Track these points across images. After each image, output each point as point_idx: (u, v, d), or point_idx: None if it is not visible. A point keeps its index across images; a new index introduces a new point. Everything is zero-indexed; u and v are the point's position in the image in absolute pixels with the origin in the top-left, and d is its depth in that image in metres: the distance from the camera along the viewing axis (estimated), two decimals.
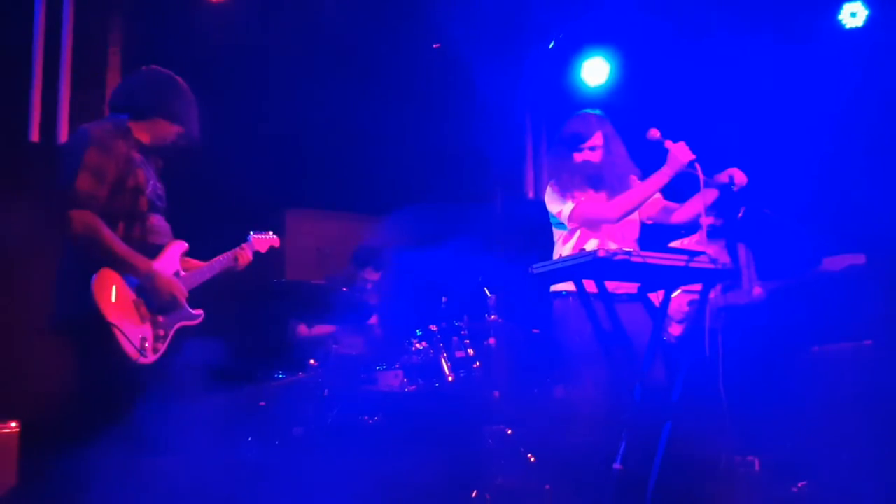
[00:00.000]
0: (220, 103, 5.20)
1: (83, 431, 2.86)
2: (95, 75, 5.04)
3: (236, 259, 3.52)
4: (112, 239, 2.99)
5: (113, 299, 2.95)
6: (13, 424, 3.82)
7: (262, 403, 4.78)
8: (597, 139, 3.82)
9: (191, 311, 3.23)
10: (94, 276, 2.92)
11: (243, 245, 3.56)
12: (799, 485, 4.15)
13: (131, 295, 3.04)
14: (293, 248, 6.45)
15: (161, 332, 3.09)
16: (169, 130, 3.26)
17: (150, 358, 3.03)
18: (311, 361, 4.94)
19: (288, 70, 5.87)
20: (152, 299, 3.08)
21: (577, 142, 3.82)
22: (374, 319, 5.54)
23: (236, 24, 5.48)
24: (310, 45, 5.72)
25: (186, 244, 3.32)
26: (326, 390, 4.70)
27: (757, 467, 4.27)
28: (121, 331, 2.93)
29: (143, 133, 3.21)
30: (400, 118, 6.22)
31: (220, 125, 5.23)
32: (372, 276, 5.65)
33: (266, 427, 4.68)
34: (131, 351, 2.95)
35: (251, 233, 3.67)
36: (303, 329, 5.41)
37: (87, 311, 2.90)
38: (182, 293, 3.17)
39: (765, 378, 4.37)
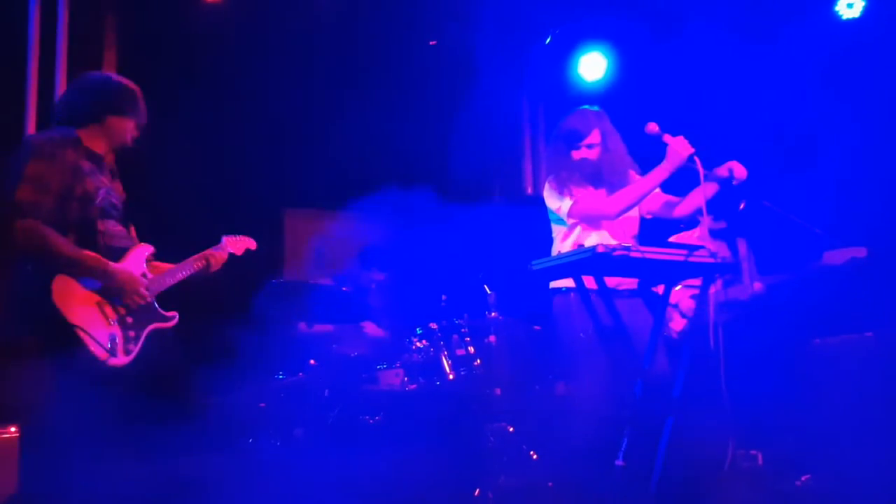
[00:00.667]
0: (216, 103, 5.22)
1: (69, 437, 2.85)
2: (91, 70, 5.02)
3: (207, 261, 3.43)
4: (60, 244, 2.97)
5: (74, 302, 2.94)
6: (13, 429, 3.81)
7: (263, 404, 4.78)
8: (594, 136, 3.81)
9: (163, 312, 3.20)
10: (52, 281, 2.92)
11: (214, 248, 3.50)
12: (802, 478, 4.14)
13: (94, 297, 3.03)
14: (292, 248, 6.45)
15: (132, 334, 3.06)
16: (124, 126, 3.24)
17: (122, 359, 3.00)
18: (311, 361, 4.93)
19: (285, 69, 5.86)
20: (116, 299, 3.06)
21: (574, 139, 3.81)
22: (369, 327, 5.53)
23: (232, 22, 5.46)
24: (308, 43, 5.70)
25: (152, 247, 3.29)
26: (327, 390, 4.69)
27: (760, 461, 4.26)
28: (86, 332, 2.92)
29: (97, 139, 3.20)
30: (398, 116, 6.21)
31: (217, 125, 5.26)
32: (377, 276, 5.64)
33: (267, 428, 4.68)
34: (99, 352, 2.94)
35: (223, 236, 3.61)
36: (302, 327, 5.40)
37: (48, 316, 2.89)
38: (148, 292, 3.14)
39: (767, 372, 4.36)
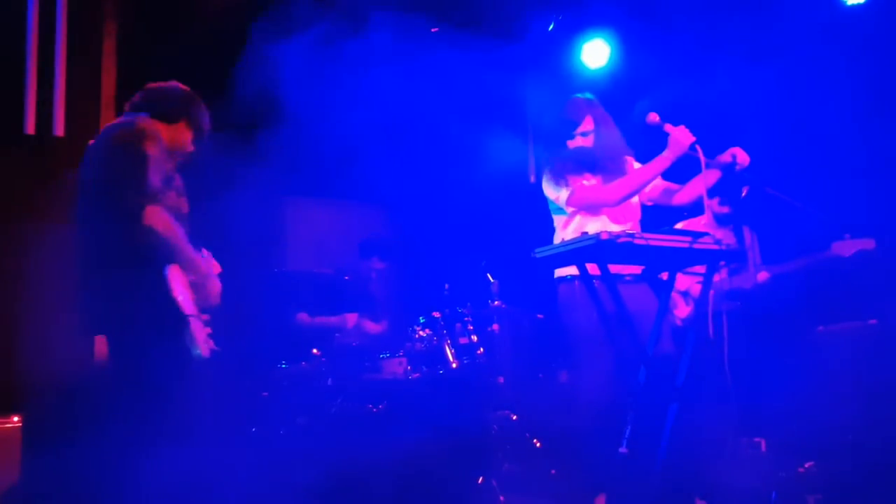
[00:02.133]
0: (217, 91, 5.19)
1: (142, 426, 2.87)
2: (90, 67, 5.01)
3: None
4: (182, 236, 3.00)
5: (184, 293, 2.96)
6: (16, 419, 3.81)
7: (266, 393, 4.77)
8: (588, 124, 3.80)
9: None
10: (167, 269, 2.92)
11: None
12: (806, 465, 4.14)
13: (189, 291, 3.05)
14: (293, 237, 6.44)
15: (208, 330, 3.09)
16: (187, 137, 3.28)
17: (206, 353, 3.04)
18: (314, 351, 4.92)
19: (285, 59, 5.83)
20: (199, 298, 3.09)
21: (568, 128, 3.81)
22: (367, 324, 5.52)
23: (232, 12, 5.44)
24: (308, 31, 5.67)
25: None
26: (330, 379, 4.69)
27: (763, 448, 4.25)
28: (196, 322, 2.95)
29: (166, 137, 3.20)
30: (399, 104, 6.18)
31: (218, 112, 5.23)
32: (378, 265, 5.63)
33: (270, 417, 4.68)
34: (203, 346, 2.97)
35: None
36: (304, 317, 5.40)
37: (164, 303, 2.89)
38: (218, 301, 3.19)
39: (770, 359, 4.35)
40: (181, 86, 3.36)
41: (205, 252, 3.36)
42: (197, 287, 3.08)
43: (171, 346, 2.91)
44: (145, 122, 3.09)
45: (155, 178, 2.94)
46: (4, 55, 4.74)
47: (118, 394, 2.92)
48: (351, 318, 5.35)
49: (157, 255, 2.92)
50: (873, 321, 4.55)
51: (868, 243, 4.24)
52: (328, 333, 5.06)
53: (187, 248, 3.01)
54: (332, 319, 5.22)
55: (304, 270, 5.39)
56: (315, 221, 6.48)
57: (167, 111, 3.21)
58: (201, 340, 2.95)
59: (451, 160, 6.37)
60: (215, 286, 3.15)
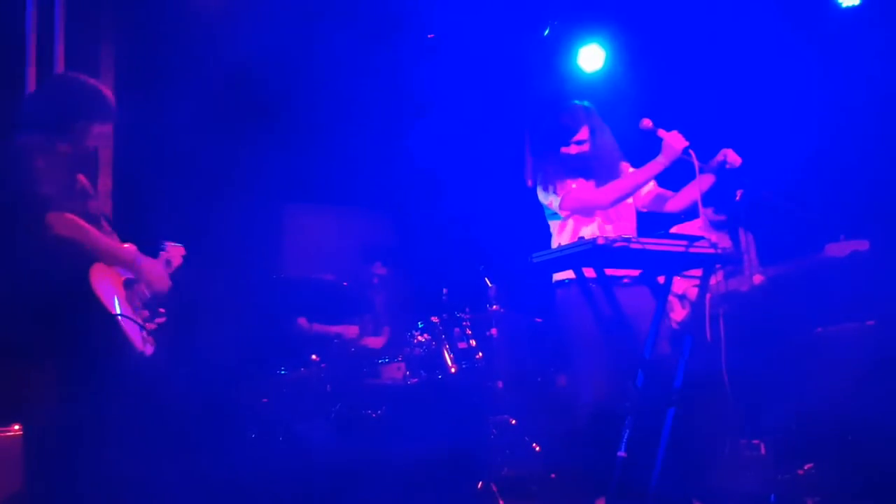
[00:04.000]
0: (214, 97, 5.20)
1: (94, 430, 2.85)
2: (88, 75, 5.01)
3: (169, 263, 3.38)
4: (97, 233, 2.97)
5: (111, 292, 2.94)
6: (16, 427, 3.81)
7: (265, 399, 4.78)
8: (584, 133, 3.81)
9: (160, 310, 3.20)
10: (89, 270, 2.89)
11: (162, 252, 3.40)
12: (805, 467, 4.14)
13: (121, 288, 3.03)
14: (292, 244, 6.45)
15: (149, 326, 3.07)
16: (95, 131, 3.20)
17: (149, 350, 3.02)
18: (314, 356, 4.93)
19: (285, 65, 5.85)
20: (137, 291, 3.07)
21: (564, 135, 3.82)
22: (369, 340, 5.53)
23: (230, 18, 5.45)
24: (306, 39, 5.69)
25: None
26: (329, 385, 4.69)
27: (762, 451, 4.25)
28: (127, 321, 2.93)
29: (64, 144, 3.13)
30: (398, 109, 6.20)
31: (216, 120, 5.25)
32: (379, 270, 5.63)
33: (269, 423, 4.68)
34: (137, 341, 2.95)
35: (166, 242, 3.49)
36: (303, 322, 5.41)
37: (89, 305, 2.87)
38: (168, 286, 3.14)
39: (769, 361, 4.35)
40: (68, 79, 3.26)
41: (168, 245, 3.32)
42: (134, 283, 3.06)
43: (104, 347, 2.88)
44: (28, 141, 3.02)
45: (48, 189, 2.90)
46: (3, 63, 4.76)
47: (71, 400, 2.91)
48: (352, 331, 5.36)
49: (77, 260, 2.90)
50: (871, 322, 4.56)
51: (862, 244, 4.25)
52: (327, 339, 5.07)
53: (105, 244, 2.98)
54: (332, 329, 5.23)
55: (303, 277, 5.39)
56: (313, 227, 6.49)
57: (58, 121, 3.11)
58: (137, 339, 2.93)
59: (448, 165, 6.39)
60: (149, 268, 3.09)
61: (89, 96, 3.20)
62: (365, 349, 5.36)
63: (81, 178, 3.12)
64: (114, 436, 2.87)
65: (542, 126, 3.96)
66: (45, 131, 3.07)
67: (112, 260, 3.00)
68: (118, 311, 2.91)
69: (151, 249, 3.26)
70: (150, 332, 3.05)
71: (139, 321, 3.01)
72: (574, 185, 3.77)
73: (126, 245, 3.21)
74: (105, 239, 3.00)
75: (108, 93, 3.26)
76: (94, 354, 2.90)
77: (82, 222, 2.93)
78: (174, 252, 3.36)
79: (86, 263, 2.92)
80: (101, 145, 3.30)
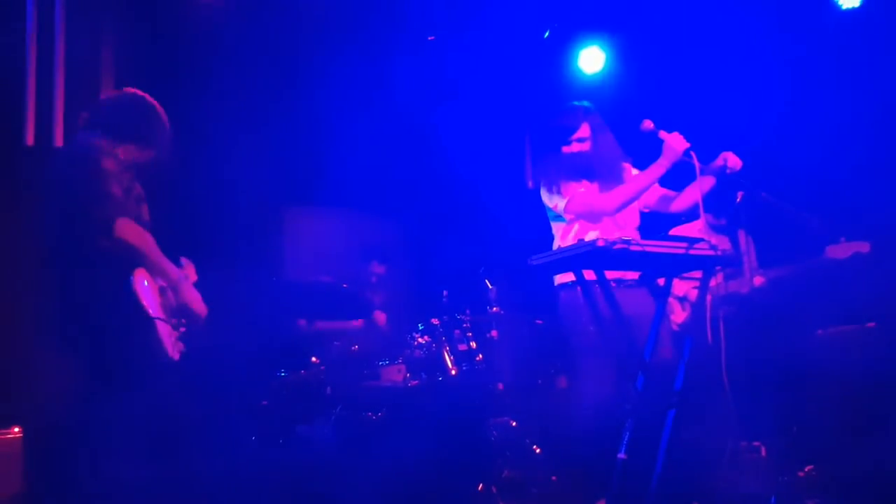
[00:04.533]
0: (215, 102, 5.21)
1: (115, 428, 2.89)
2: (89, 76, 5.02)
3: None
4: (153, 244, 3.06)
5: (149, 296, 3.01)
6: (16, 429, 3.82)
7: (265, 402, 4.78)
8: (584, 131, 3.81)
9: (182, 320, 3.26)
10: (132, 275, 2.97)
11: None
12: (805, 469, 4.14)
13: (158, 295, 3.09)
14: (292, 246, 6.45)
15: (176, 334, 3.13)
16: (143, 155, 3.29)
17: (177, 357, 3.06)
18: (313, 359, 4.93)
19: (285, 68, 5.85)
20: (167, 299, 3.12)
21: (564, 134, 3.83)
22: (381, 317, 5.54)
23: (230, 23, 5.46)
24: (305, 42, 5.70)
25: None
26: (329, 387, 4.69)
27: (763, 453, 4.25)
28: (163, 324, 2.99)
29: (121, 152, 3.22)
30: (398, 111, 6.20)
31: (216, 125, 5.25)
32: (377, 269, 5.63)
33: (269, 426, 4.68)
34: (169, 346, 3.00)
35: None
36: (303, 324, 5.40)
37: (129, 307, 2.93)
38: (206, 312, 3.22)
39: (769, 363, 4.35)
40: (136, 95, 3.34)
41: (183, 261, 3.40)
42: (167, 291, 3.12)
43: (139, 348, 2.94)
44: (97, 142, 3.12)
45: (117, 191, 2.99)
46: (4, 67, 4.76)
47: (93, 399, 2.93)
48: (356, 324, 5.36)
49: (125, 262, 2.97)
50: (871, 325, 4.56)
51: (863, 246, 4.24)
52: (327, 341, 5.06)
53: (156, 255, 3.06)
54: (338, 324, 5.23)
55: (303, 279, 5.39)
56: (314, 230, 6.49)
57: (120, 130, 3.21)
58: (169, 343, 2.98)
59: (449, 167, 6.39)
60: (189, 291, 3.18)
61: (157, 120, 3.31)
62: (367, 340, 5.35)
63: (137, 185, 3.21)
64: (133, 436, 2.90)
65: (543, 127, 3.97)
66: (109, 136, 3.15)
67: (159, 273, 3.08)
68: (155, 315, 2.99)
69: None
70: (178, 339, 3.11)
71: (172, 325, 3.05)
72: (581, 189, 3.76)
73: (182, 261, 3.30)
74: (158, 251, 3.08)
75: (167, 125, 3.35)
76: (130, 354, 2.96)
77: (144, 231, 3.03)
78: (189, 269, 3.44)
79: (132, 265, 2.99)
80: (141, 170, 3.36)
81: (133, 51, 5.22)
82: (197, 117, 5.07)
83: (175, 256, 3.42)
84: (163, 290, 3.14)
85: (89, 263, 2.98)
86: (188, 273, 3.37)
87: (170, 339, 3.03)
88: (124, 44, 5.20)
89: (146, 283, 3.02)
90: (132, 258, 2.99)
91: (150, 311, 2.97)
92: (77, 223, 2.98)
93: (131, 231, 2.98)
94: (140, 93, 3.38)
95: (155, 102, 3.35)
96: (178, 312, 3.17)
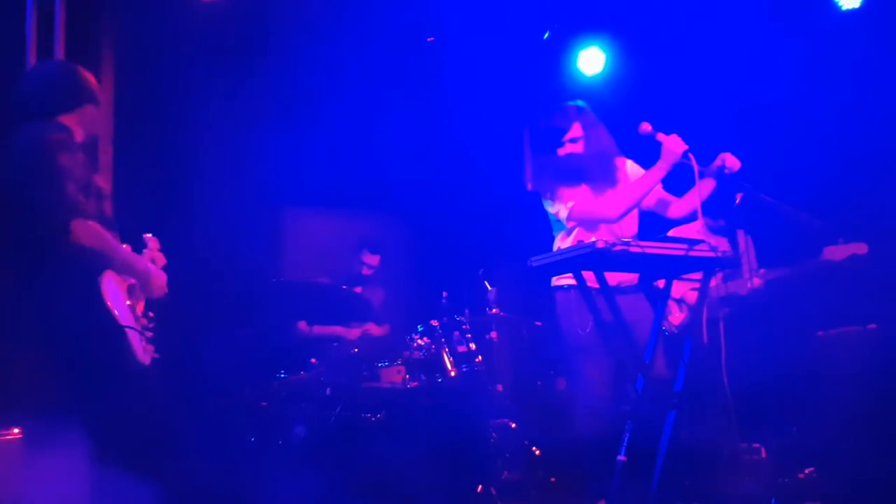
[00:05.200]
0: (214, 101, 5.21)
1: (95, 438, 2.83)
2: (89, 71, 5.02)
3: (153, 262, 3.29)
4: (116, 244, 2.93)
5: (118, 302, 2.90)
6: (16, 431, 3.80)
7: (264, 403, 4.78)
8: (575, 130, 3.81)
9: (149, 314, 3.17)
10: (100, 279, 2.84)
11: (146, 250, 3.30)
12: (806, 471, 4.14)
13: (126, 296, 3.00)
14: (292, 247, 6.44)
15: (147, 335, 3.02)
16: (93, 114, 3.13)
17: (147, 360, 3.00)
18: (313, 360, 4.93)
19: (285, 68, 5.85)
20: (136, 296, 3.04)
21: (556, 136, 3.82)
22: (376, 330, 5.53)
23: (230, 22, 5.45)
24: (306, 42, 5.69)
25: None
26: (328, 388, 4.69)
27: (763, 455, 4.25)
28: (133, 332, 2.89)
29: (77, 131, 3.06)
30: (397, 112, 6.20)
31: (215, 124, 5.25)
32: (369, 258, 5.62)
33: (268, 427, 4.68)
34: (140, 353, 2.92)
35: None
36: (303, 326, 5.40)
37: (99, 315, 2.83)
38: (165, 292, 3.12)
39: (769, 364, 4.35)
40: (54, 62, 3.25)
41: (147, 238, 3.24)
42: (135, 288, 3.02)
43: (109, 357, 2.85)
44: (54, 132, 2.93)
45: (72, 190, 2.82)
46: (4, 67, 4.76)
47: (67, 407, 2.87)
48: (353, 333, 5.36)
49: (89, 267, 2.84)
50: (872, 326, 4.55)
51: (861, 247, 4.24)
52: (327, 343, 5.06)
53: (120, 253, 2.93)
54: (336, 329, 5.22)
55: (302, 280, 5.39)
56: (313, 231, 6.49)
57: (66, 102, 3.03)
58: (139, 349, 2.90)
59: (449, 168, 6.39)
60: (158, 279, 3.06)
61: (84, 79, 3.13)
62: (368, 341, 5.35)
63: (97, 178, 3.05)
64: (110, 445, 2.85)
65: (537, 129, 3.96)
66: (52, 118, 2.98)
67: (127, 271, 2.96)
68: (125, 323, 2.88)
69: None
70: (149, 341, 3.01)
71: (141, 331, 2.98)
72: (579, 197, 3.75)
73: (146, 238, 3.19)
74: (122, 249, 2.95)
75: (87, 73, 3.18)
76: (101, 366, 2.86)
77: (104, 231, 2.88)
78: (153, 244, 3.27)
79: (98, 270, 2.87)
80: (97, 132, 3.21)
81: (132, 50, 5.22)
82: (196, 116, 5.07)
83: (173, 255, 3.37)
84: (131, 288, 3.02)
85: (51, 271, 2.84)
86: (153, 250, 3.22)
87: (140, 345, 2.92)
88: (124, 43, 5.20)
89: (114, 287, 2.89)
90: (95, 262, 2.85)
91: (121, 320, 2.84)
92: (33, 229, 2.84)
93: (89, 234, 2.82)
94: (54, 60, 3.26)
95: (66, 62, 3.25)
96: (146, 306, 3.08)
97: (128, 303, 2.97)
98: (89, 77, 3.17)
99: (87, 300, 2.83)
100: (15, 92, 3.10)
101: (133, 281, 3.06)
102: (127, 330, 2.86)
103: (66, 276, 2.85)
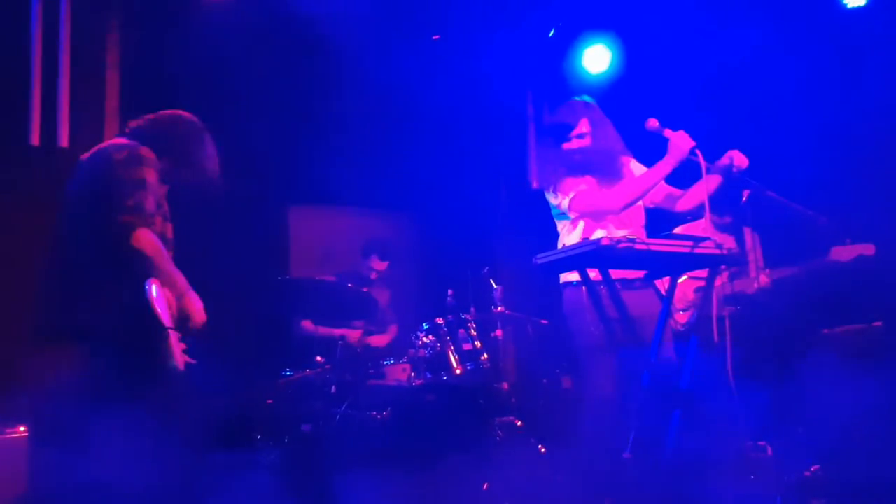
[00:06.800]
0: (220, 101, 5.22)
1: (128, 435, 2.86)
2: (94, 77, 5.03)
3: None
4: (167, 257, 3.06)
5: (164, 306, 3.00)
6: (21, 429, 3.81)
7: (270, 401, 4.79)
8: (583, 126, 3.81)
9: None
10: (147, 284, 2.97)
11: None
12: (811, 469, 4.13)
13: (167, 307, 3.09)
14: (297, 245, 6.46)
15: (182, 347, 3.12)
16: (185, 174, 3.31)
17: (182, 367, 3.07)
18: (318, 358, 4.93)
19: (289, 67, 5.85)
20: (175, 314, 3.11)
21: (564, 131, 3.82)
22: (379, 340, 5.55)
23: (235, 22, 5.46)
24: (310, 41, 5.70)
25: None
26: (334, 386, 4.70)
27: (769, 453, 4.24)
28: (174, 335, 2.98)
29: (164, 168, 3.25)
30: (403, 111, 6.20)
31: (220, 122, 5.26)
32: (378, 265, 5.63)
33: (274, 425, 4.69)
34: (179, 358, 3.00)
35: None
36: (308, 325, 5.41)
37: (145, 317, 2.93)
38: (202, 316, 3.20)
39: (775, 362, 4.34)
40: (189, 119, 3.38)
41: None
42: (173, 303, 3.10)
43: (149, 357, 2.94)
44: (147, 150, 3.14)
45: (150, 203, 3.02)
46: (9, 68, 4.77)
47: (102, 406, 2.93)
48: (354, 335, 5.36)
49: (140, 271, 2.97)
50: (878, 324, 4.55)
51: (868, 248, 4.23)
52: (332, 341, 5.06)
53: (170, 267, 3.07)
54: (336, 331, 5.23)
55: (307, 278, 5.39)
56: (319, 229, 6.50)
57: (170, 147, 3.24)
58: (177, 353, 2.98)
59: (454, 166, 6.39)
60: (194, 300, 3.16)
61: (201, 142, 3.34)
62: (368, 348, 5.37)
63: (166, 204, 3.23)
64: (144, 445, 2.90)
65: (544, 125, 3.97)
66: (152, 148, 3.16)
67: (170, 286, 3.08)
68: (168, 326, 2.97)
69: None
70: (184, 351, 3.10)
71: (179, 336, 3.06)
72: (583, 187, 3.75)
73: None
74: (171, 265, 3.08)
75: (213, 151, 3.36)
76: (146, 365, 2.95)
77: (160, 244, 3.03)
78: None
79: (146, 274, 2.99)
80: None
81: (138, 50, 5.23)
82: (202, 115, 5.08)
83: (176, 254, 3.41)
84: (169, 302, 3.13)
85: (108, 269, 2.99)
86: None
87: (178, 350, 3.03)
88: (130, 43, 5.21)
89: (160, 291, 3.02)
90: (146, 268, 3.00)
91: (165, 321, 2.97)
92: (103, 224, 2.99)
93: (149, 242, 2.99)
94: (188, 115, 3.40)
95: (200, 124, 3.38)
96: (180, 324, 3.17)
97: (168, 309, 3.06)
98: (211, 152, 3.35)
99: (136, 298, 2.95)
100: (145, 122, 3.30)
101: (173, 296, 3.14)
102: (170, 332, 2.96)
103: (122, 274, 2.98)
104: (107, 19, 5.20)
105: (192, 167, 3.32)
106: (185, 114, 3.43)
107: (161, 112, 3.42)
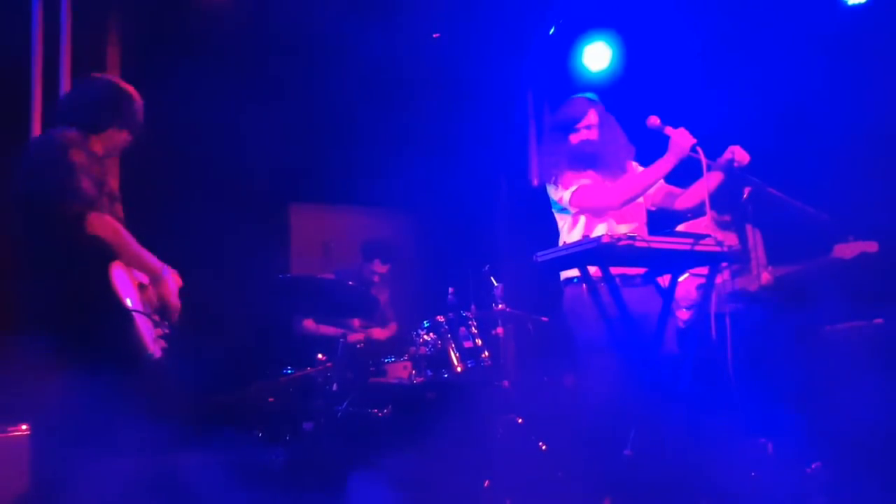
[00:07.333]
0: (221, 99, 5.21)
1: (97, 427, 2.84)
2: (95, 72, 5.03)
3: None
4: (129, 237, 2.99)
5: (128, 290, 2.95)
6: (23, 427, 3.81)
7: (271, 399, 4.79)
8: (591, 118, 3.81)
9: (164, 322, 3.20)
10: (109, 267, 2.91)
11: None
12: (812, 466, 4.13)
13: (137, 290, 3.04)
14: (298, 243, 6.46)
15: (158, 332, 3.06)
16: (119, 139, 3.24)
17: (157, 353, 3.01)
18: (319, 356, 4.93)
19: (289, 64, 5.85)
20: (147, 296, 3.07)
21: (571, 124, 3.82)
22: (379, 333, 5.55)
23: (236, 19, 5.46)
24: (311, 38, 5.70)
25: None
26: (335, 384, 4.69)
27: (770, 450, 4.24)
28: (141, 318, 2.93)
29: (97, 144, 3.17)
30: (403, 109, 6.20)
31: (222, 121, 5.26)
32: (380, 268, 5.63)
33: (275, 423, 4.69)
34: (149, 341, 2.94)
35: None
36: (309, 324, 5.41)
37: (107, 299, 2.88)
38: (175, 300, 3.15)
39: (776, 360, 4.34)
40: (107, 81, 3.29)
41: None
42: (147, 287, 3.06)
43: (117, 342, 2.89)
44: (67, 134, 3.04)
45: (87, 185, 2.93)
46: (10, 67, 4.77)
47: (73, 396, 2.89)
48: (355, 336, 5.36)
49: (100, 257, 2.92)
50: (880, 321, 4.54)
51: (871, 245, 4.23)
52: (333, 339, 5.06)
53: (134, 248, 3.00)
54: (337, 330, 5.22)
55: (308, 276, 5.39)
56: (319, 227, 6.50)
57: (94, 121, 3.15)
58: (149, 339, 2.93)
59: (454, 164, 6.38)
60: (168, 283, 3.11)
61: (125, 103, 3.24)
62: (370, 342, 5.36)
63: (111, 181, 3.15)
64: (119, 434, 2.87)
65: (548, 119, 3.97)
66: (80, 129, 3.08)
67: (140, 265, 3.02)
68: (133, 308, 2.91)
69: (156, 250, 3.26)
70: (160, 336, 3.04)
71: (152, 320, 3.01)
72: (585, 181, 3.75)
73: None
74: (135, 244, 3.01)
75: (141, 103, 3.29)
76: (109, 349, 2.89)
77: (119, 226, 2.96)
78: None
79: (108, 259, 2.93)
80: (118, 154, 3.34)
81: (139, 45, 5.22)
82: (202, 112, 5.08)
83: (178, 252, 3.39)
84: (142, 286, 3.07)
85: (65, 258, 2.92)
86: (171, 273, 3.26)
87: (150, 335, 2.96)
88: (130, 38, 5.20)
89: (123, 275, 2.95)
90: (108, 253, 2.93)
91: (128, 304, 2.90)
92: (48, 219, 2.92)
93: (104, 226, 2.92)
94: (107, 77, 3.32)
95: (123, 84, 3.29)
96: (159, 309, 3.12)
97: (137, 294, 3.00)
98: (133, 103, 3.26)
99: (96, 285, 2.89)
100: (59, 100, 3.26)
101: (145, 280, 3.09)
102: (135, 316, 2.90)
103: (79, 262, 2.92)
104: (107, 14, 5.20)
105: (127, 128, 3.22)
106: (103, 76, 3.33)
107: (77, 84, 3.34)
